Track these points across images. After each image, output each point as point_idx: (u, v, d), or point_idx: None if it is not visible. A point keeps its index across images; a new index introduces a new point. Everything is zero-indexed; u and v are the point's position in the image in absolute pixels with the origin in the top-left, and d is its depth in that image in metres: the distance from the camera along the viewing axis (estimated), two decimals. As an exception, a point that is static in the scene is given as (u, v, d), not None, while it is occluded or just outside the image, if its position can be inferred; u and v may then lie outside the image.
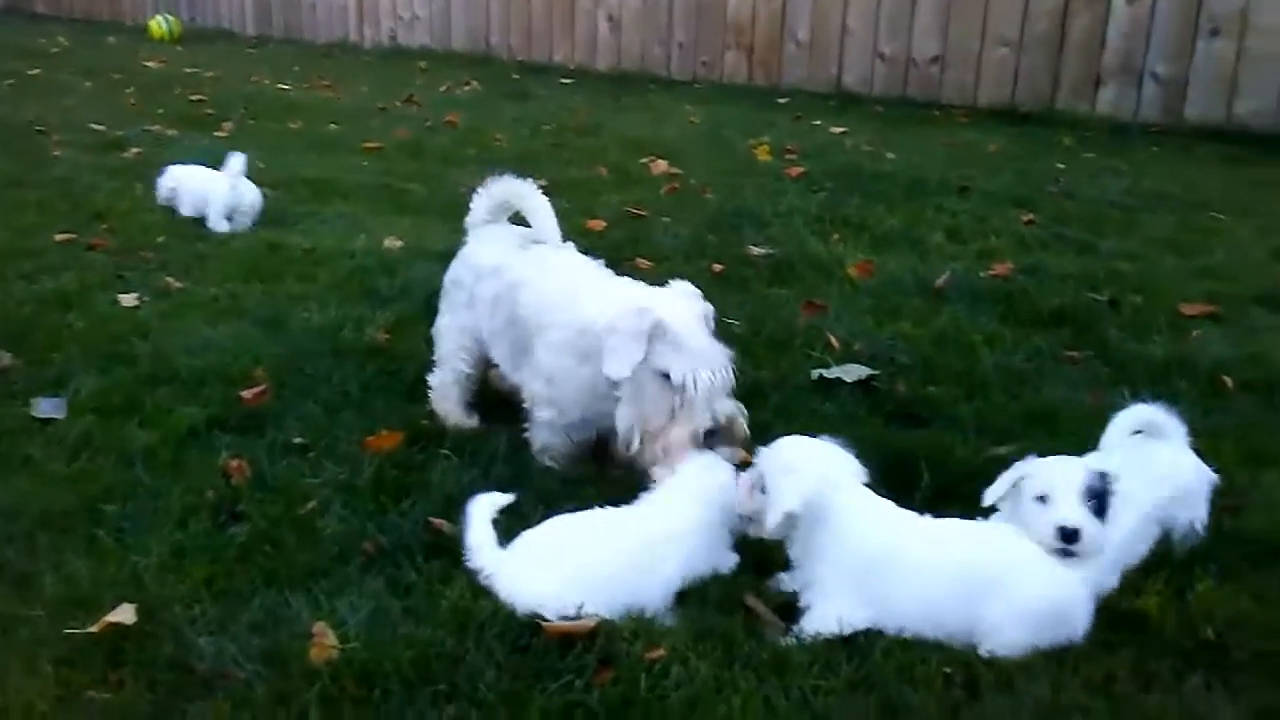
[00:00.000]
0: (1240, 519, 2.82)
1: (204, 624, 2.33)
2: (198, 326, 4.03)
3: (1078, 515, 2.32)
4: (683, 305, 2.85)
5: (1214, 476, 2.75)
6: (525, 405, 3.10)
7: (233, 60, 11.87)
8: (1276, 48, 7.88)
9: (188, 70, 10.92)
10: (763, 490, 2.45)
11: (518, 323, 3.12)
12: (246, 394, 3.41)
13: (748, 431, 2.79)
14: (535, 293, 3.08)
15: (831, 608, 2.35)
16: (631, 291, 2.95)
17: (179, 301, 4.33)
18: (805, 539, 2.44)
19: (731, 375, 2.77)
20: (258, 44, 13.50)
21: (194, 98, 9.28)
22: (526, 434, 3.10)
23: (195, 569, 2.52)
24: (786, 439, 2.53)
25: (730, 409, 2.76)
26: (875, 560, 2.38)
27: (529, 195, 3.30)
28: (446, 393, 3.35)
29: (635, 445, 2.78)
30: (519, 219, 3.42)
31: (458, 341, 3.34)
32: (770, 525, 2.43)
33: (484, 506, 2.49)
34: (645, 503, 2.60)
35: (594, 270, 3.14)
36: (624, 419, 2.80)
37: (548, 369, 2.99)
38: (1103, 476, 2.38)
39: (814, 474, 2.42)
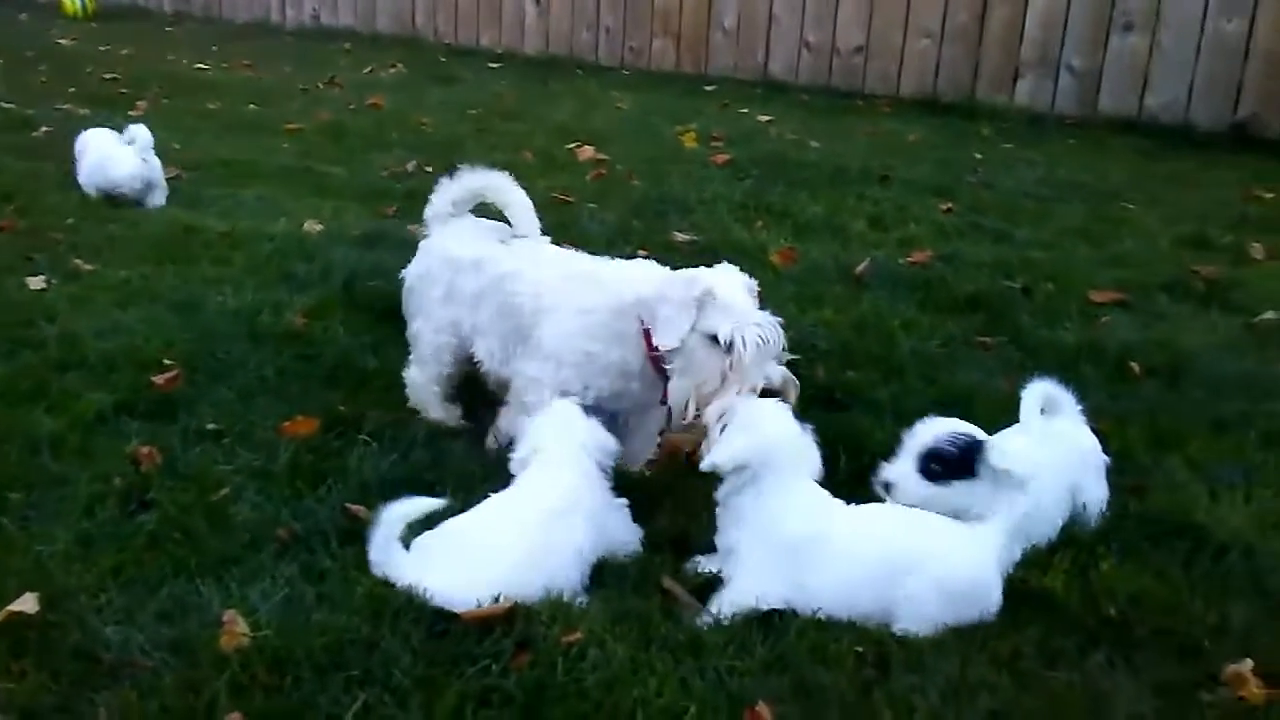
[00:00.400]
0: (1144, 500, 2.91)
1: (110, 613, 2.28)
2: (108, 310, 3.93)
3: (897, 471, 2.59)
4: (728, 276, 2.84)
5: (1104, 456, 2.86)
6: (510, 395, 3.02)
7: (148, 39, 11.55)
8: (1187, 42, 8.10)
9: (102, 48, 10.60)
10: (721, 430, 2.51)
11: (511, 314, 3.04)
12: (158, 379, 3.33)
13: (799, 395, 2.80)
14: (531, 282, 3.00)
15: (751, 583, 2.38)
16: (658, 269, 2.95)
17: (89, 284, 4.21)
18: (737, 507, 2.49)
19: (783, 338, 2.74)
20: (175, 22, 13.14)
21: (107, 76, 9.01)
22: (497, 424, 3.02)
23: (102, 557, 2.46)
24: (772, 405, 2.58)
25: (782, 372, 2.75)
26: (799, 544, 2.42)
27: (507, 189, 3.20)
28: (426, 391, 3.26)
29: (690, 414, 2.73)
30: (482, 211, 3.34)
31: (435, 341, 3.22)
32: (709, 461, 2.48)
33: (395, 516, 2.38)
34: (525, 481, 2.59)
35: (591, 259, 3.11)
36: (677, 390, 2.75)
37: (556, 353, 2.92)
38: (954, 441, 2.54)
39: (766, 444, 2.47)
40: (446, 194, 3.30)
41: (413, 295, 3.29)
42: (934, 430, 2.61)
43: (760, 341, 2.66)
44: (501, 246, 3.15)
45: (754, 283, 2.91)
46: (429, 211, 3.34)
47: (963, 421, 2.66)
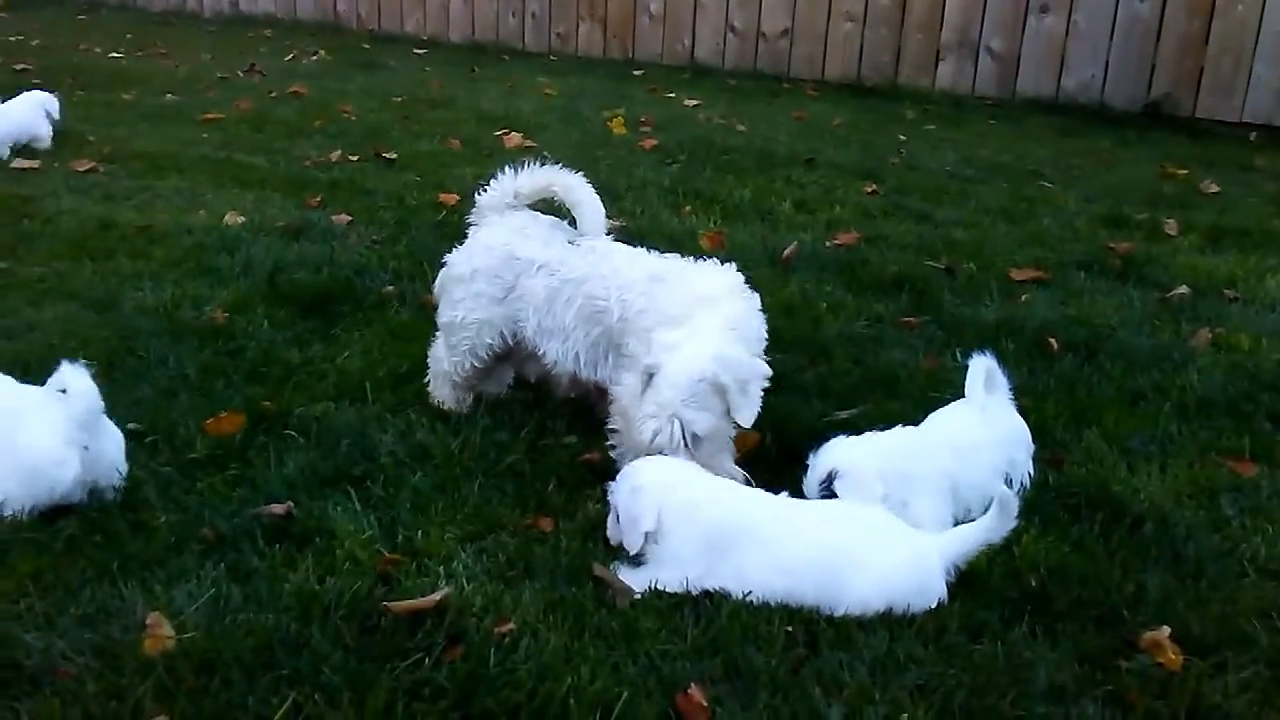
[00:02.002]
0: (1062, 472, 2.98)
1: (30, 619, 2.23)
2: (20, 308, 3.82)
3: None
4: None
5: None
6: (614, 405, 2.93)
7: (61, 27, 11.22)
8: (1102, 23, 8.28)
9: (12, 38, 10.27)
10: (618, 519, 2.53)
11: (596, 319, 3.00)
12: (75, 379, 3.24)
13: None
14: (617, 287, 2.98)
15: (677, 573, 2.40)
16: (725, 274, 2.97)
17: (0, 283, 4.09)
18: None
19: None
20: (88, 10, 12.78)
21: (18, 67, 8.72)
22: (616, 437, 2.92)
23: (20, 563, 2.40)
24: (628, 468, 2.61)
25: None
26: (727, 539, 2.45)
27: (578, 188, 3.15)
28: (448, 377, 3.22)
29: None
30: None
31: (479, 338, 3.16)
32: (636, 548, 2.48)
33: None
34: None
35: (660, 259, 3.09)
36: None
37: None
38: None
39: (656, 487, 2.50)
40: (510, 184, 3.21)
41: (460, 285, 3.19)
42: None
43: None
44: (570, 248, 3.11)
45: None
46: (485, 200, 3.25)
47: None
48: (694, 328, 2.77)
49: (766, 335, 2.94)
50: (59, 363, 2.63)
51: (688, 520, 2.47)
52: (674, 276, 2.97)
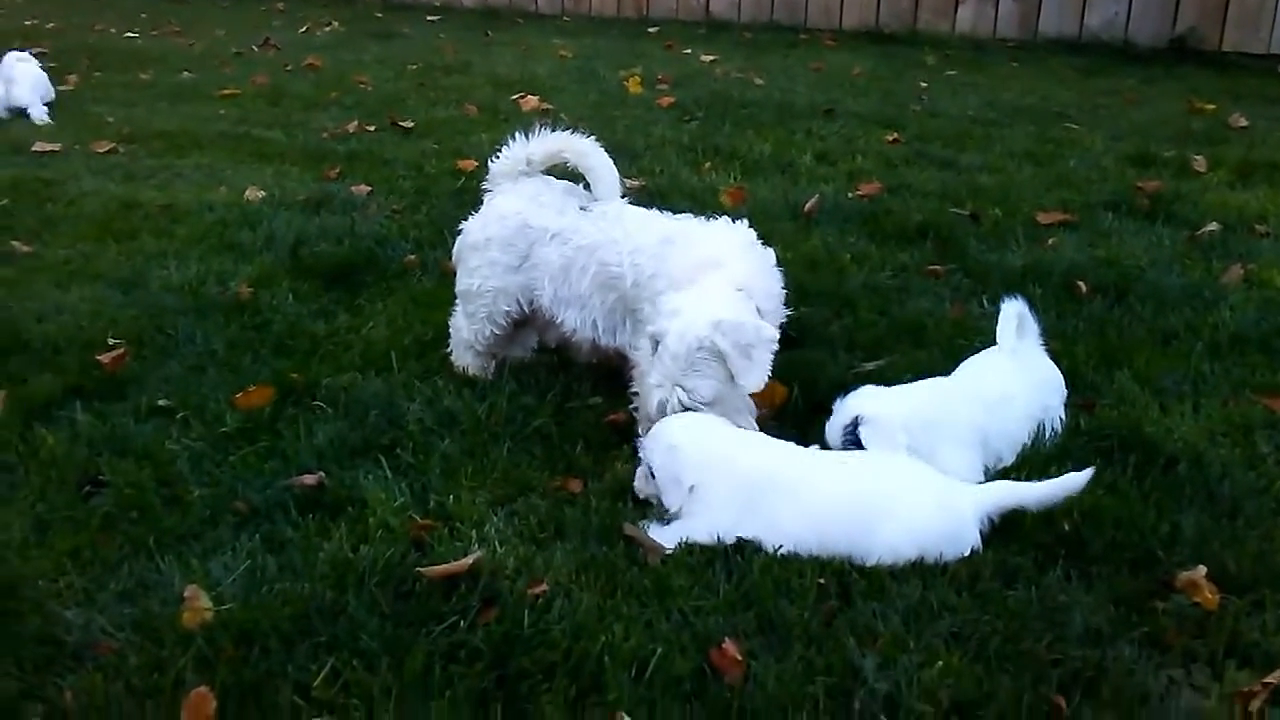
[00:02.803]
0: (1095, 415, 2.95)
1: (70, 596, 2.26)
2: (48, 291, 3.85)
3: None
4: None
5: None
6: (636, 370, 2.93)
7: (74, 9, 11.23)
8: (1124, -40, 8.12)
9: (27, 22, 10.31)
10: (652, 475, 2.52)
11: (611, 286, 3.00)
12: (104, 359, 3.27)
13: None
14: (629, 251, 2.97)
15: (710, 525, 2.41)
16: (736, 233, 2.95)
17: (27, 266, 4.12)
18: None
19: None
20: (101, -10, 12.79)
21: (35, 51, 8.73)
22: (638, 402, 2.92)
23: (59, 541, 2.43)
24: (660, 426, 2.60)
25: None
26: (760, 491, 2.44)
27: (590, 153, 3.14)
28: (469, 345, 3.23)
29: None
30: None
31: (496, 305, 3.16)
32: (677, 505, 2.48)
33: None
34: None
35: (672, 220, 3.05)
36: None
37: None
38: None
39: (693, 443, 2.49)
40: (522, 151, 3.19)
41: (475, 253, 3.19)
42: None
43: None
44: (583, 215, 3.10)
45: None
46: (498, 167, 3.25)
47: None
48: (698, 291, 2.75)
49: (784, 290, 2.93)
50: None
51: (724, 474, 2.47)
52: (683, 238, 2.94)
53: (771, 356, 2.70)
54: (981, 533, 2.40)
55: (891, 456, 2.53)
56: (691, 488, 2.46)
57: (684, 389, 2.66)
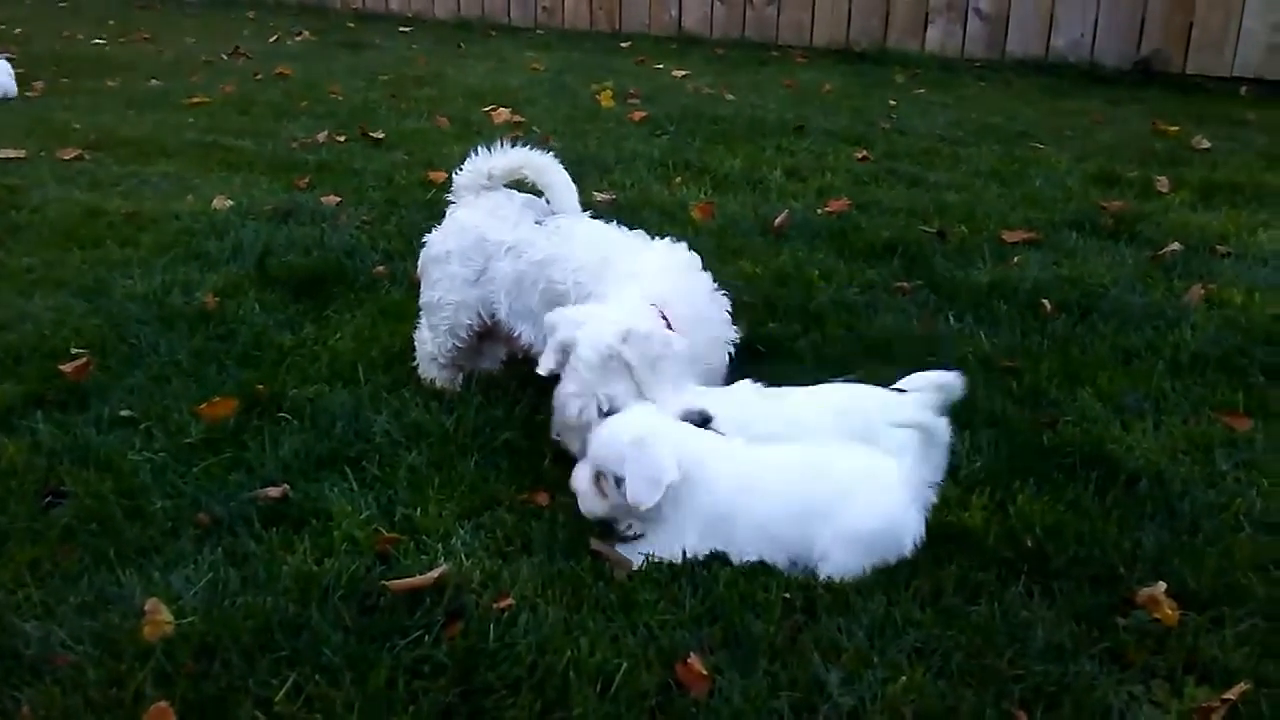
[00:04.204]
0: (1056, 433, 2.98)
1: (29, 608, 2.23)
2: (10, 299, 3.80)
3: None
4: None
5: None
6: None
7: (42, 14, 11.14)
8: (1090, -18, 8.24)
9: (-8, 27, 10.21)
10: (617, 480, 2.43)
11: (558, 302, 2.97)
12: (67, 368, 3.23)
13: None
14: (570, 265, 2.98)
15: (675, 540, 2.40)
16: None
17: (-11, 273, 4.07)
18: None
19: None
20: (69, -4, 12.68)
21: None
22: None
23: (17, 552, 2.40)
24: (607, 423, 2.54)
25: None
26: (728, 498, 2.43)
27: (548, 169, 3.15)
28: (434, 360, 3.22)
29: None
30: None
31: (457, 318, 3.17)
32: (651, 502, 2.39)
33: None
34: None
35: (621, 235, 3.08)
36: None
37: None
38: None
39: (669, 434, 2.46)
40: (484, 165, 3.20)
41: (437, 266, 3.20)
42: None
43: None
44: (537, 230, 3.10)
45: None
46: (461, 180, 3.26)
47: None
48: (610, 304, 2.77)
49: (724, 312, 2.96)
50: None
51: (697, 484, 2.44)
52: (619, 257, 2.96)
53: (683, 370, 2.69)
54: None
55: (830, 452, 2.48)
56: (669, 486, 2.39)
57: (600, 397, 2.66)
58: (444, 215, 3.31)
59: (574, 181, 3.22)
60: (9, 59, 7.41)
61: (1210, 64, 7.92)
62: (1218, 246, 4.49)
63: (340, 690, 2.00)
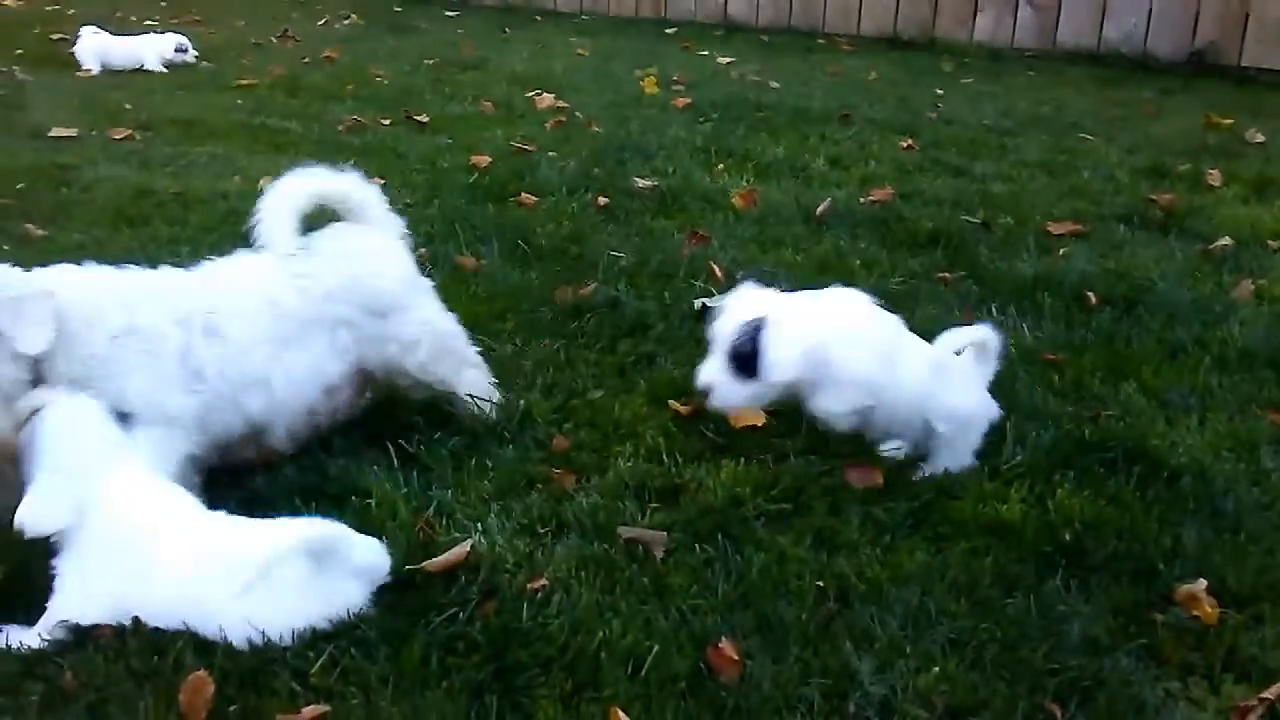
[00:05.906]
0: (1099, 426, 2.94)
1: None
2: (61, 275, 3.86)
3: (708, 375, 2.64)
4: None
5: None
6: None
7: (94, -4, 11.28)
8: (1145, -29, 8.10)
9: (48, 8, 10.37)
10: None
11: None
12: (115, 343, 3.28)
13: None
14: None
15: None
16: None
17: (41, 250, 4.13)
18: None
19: None
20: (122, -22, 12.84)
21: (55, 37, 8.79)
22: None
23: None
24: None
25: None
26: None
27: (356, 190, 3.05)
28: None
29: None
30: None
31: None
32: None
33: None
34: None
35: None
36: None
37: None
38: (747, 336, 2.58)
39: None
40: (284, 204, 2.99)
41: None
42: (733, 325, 2.62)
43: None
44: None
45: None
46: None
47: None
48: None
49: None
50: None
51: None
52: None
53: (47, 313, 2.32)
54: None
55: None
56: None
57: None
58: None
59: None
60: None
61: (1266, 57, 7.77)
62: (1269, 242, 4.41)
63: (375, 664, 2.02)
